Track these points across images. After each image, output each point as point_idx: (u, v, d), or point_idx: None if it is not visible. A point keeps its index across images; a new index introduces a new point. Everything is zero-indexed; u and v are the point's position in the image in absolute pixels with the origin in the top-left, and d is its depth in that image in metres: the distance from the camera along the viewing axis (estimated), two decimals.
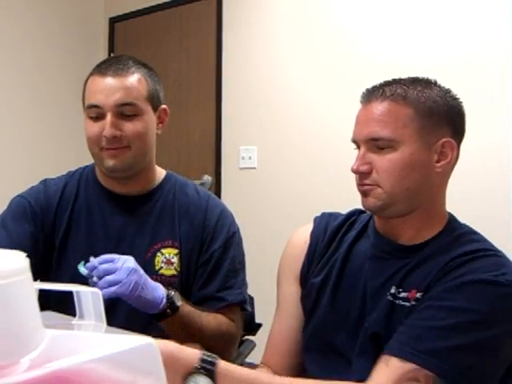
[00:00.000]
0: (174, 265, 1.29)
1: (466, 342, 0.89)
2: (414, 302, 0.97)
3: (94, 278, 1.07)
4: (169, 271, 1.29)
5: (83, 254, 1.28)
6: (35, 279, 1.31)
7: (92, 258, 1.10)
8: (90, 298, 0.61)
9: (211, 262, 1.31)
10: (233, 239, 1.34)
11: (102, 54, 3.99)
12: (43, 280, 1.29)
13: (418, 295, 0.97)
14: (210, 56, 3.42)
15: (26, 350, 0.46)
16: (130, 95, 1.25)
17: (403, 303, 0.98)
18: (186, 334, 1.20)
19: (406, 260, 1.02)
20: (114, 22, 3.99)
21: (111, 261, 1.09)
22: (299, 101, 3.00)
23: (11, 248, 1.26)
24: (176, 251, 1.30)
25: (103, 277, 1.07)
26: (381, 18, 2.73)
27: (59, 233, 1.31)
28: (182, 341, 1.24)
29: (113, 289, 1.06)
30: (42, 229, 1.30)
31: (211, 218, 1.33)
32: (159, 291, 1.14)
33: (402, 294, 0.99)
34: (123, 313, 1.22)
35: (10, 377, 0.42)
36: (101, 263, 1.08)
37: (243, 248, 1.39)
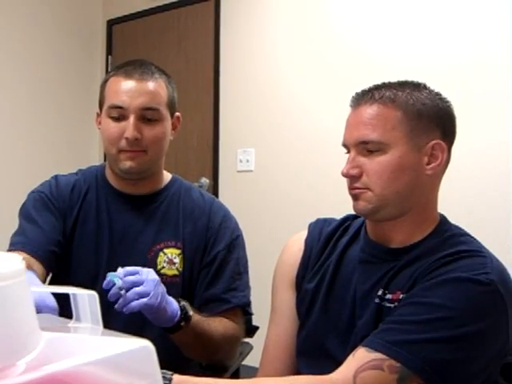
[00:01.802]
0: (176, 265, 1.31)
1: (439, 336, 0.88)
2: (397, 303, 0.97)
3: (122, 291, 1.04)
4: (170, 271, 1.30)
5: (88, 249, 1.32)
6: (58, 270, 1.31)
7: (120, 269, 1.06)
8: (86, 300, 0.61)
9: (215, 263, 1.32)
10: (236, 241, 1.36)
11: (100, 57, 3.99)
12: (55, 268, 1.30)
13: (401, 296, 0.98)
14: (208, 58, 3.42)
15: (23, 353, 0.46)
16: (154, 100, 1.27)
17: (388, 305, 0.99)
18: (197, 342, 1.22)
19: (393, 263, 1.03)
20: (111, 24, 3.99)
21: (136, 273, 1.06)
22: (297, 103, 3.00)
23: (46, 240, 1.25)
24: (178, 251, 1.31)
25: (131, 288, 1.04)
26: (380, 19, 2.74)
27: (69, 222, 1.33)
28: (191, 348, 1.26)
29: (144, 300, 1.04)
30: (60, 216, 1.32)
31: (215, 221, 1.35)
32: (174, 304, 1.14)
33: (388, 296, 1.00)
34: (120, 315, 1.23)
35: (6, 379, 0.42)
36: (126, 275, 1.05)
37: (246, 252, 1.41)
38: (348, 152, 1.06)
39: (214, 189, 3.34)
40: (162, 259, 1.30)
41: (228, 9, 3.34)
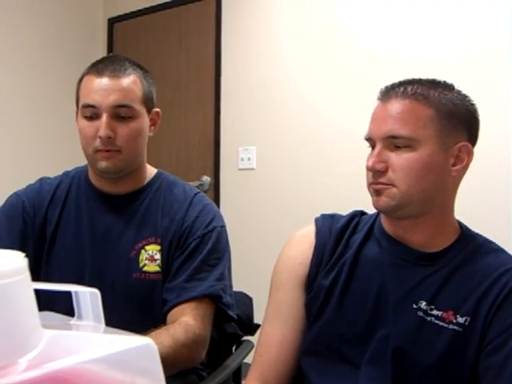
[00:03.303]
0: (158, 261, 1.29)
1: None
2: (457, 327, 0.96)
3: None
4: (152, 268, 1.28)
5: (71, 252, 1.31)
6: (37, 275, 1.29)
7: None
8: (88, 298, 0.61)
9: (185, 252, 1.29)
10: (212, 233, 1.31)
11: (101, 55, 3.98)
12: (34, 276, 1.30)
13: (461, 320, 0.96)
14: (209, 56, 3.42)
15: (24, 351, 0.46)
16: (126, 97, 1.25)
17: (437, 321, 0.97)
18: None
19: (428, 268, 1.01)
20: (113, 22, 3.99)
21: None
22: (298, 101, 3.00)
23: None
24: (158, 247, 1.30)
25: None
26: (383, 14, 2.73)
27: (50, 228, 1.33)
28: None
29: None
30: (33, 226, 1.32)
31: (191, 214, 1.32)
32: None
33: (436, 312, 0.97)
34: (119, 313, 1.22)
35: (8, 377, 0.42)
36: None
37: (228, 247, 1.36)
38: (371, 146, 1.03)
39: (216, 187, 3.34)
40: (143, 256, 1.29)
41: (229, 7, 3.34)
